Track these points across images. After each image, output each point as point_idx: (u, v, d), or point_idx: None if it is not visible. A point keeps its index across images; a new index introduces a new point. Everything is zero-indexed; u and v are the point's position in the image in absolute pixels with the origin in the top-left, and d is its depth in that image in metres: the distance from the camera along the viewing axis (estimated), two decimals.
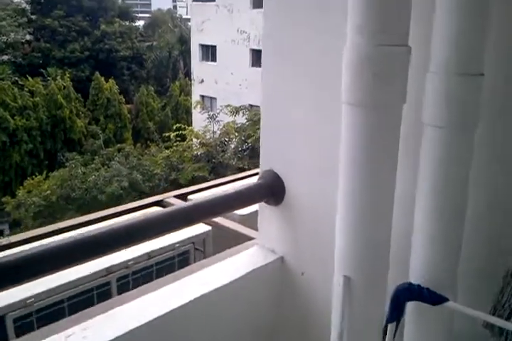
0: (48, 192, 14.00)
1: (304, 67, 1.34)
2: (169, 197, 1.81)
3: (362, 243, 0.97)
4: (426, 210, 0.97)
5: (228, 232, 2.37)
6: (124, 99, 28.51)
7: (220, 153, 13.54)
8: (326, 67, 1.26)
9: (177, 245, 2.59)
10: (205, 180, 13.29)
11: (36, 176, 17.79)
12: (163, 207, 1.75)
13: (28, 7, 35.40)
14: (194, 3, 23.87)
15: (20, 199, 14.45)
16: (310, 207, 1.38)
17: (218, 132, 14.41)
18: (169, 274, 1.53)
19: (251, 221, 1.60)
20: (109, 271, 2.24)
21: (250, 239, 1.69)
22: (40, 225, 14.47)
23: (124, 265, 2.33)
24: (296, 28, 1.33)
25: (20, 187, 16.44)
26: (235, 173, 13.06)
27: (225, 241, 2.31)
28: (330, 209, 1.09)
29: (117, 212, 1.81)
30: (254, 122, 14.38)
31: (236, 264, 1.47)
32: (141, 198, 14.50)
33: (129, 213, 1.86)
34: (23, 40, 34.20)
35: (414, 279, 0.99)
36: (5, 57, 32.91)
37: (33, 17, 34.61)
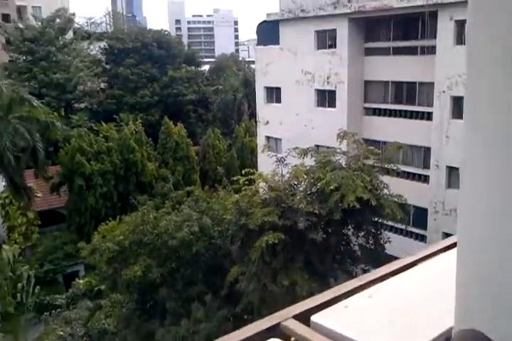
0: (121, 237, 14.31)
1: None
2: (288, 318, 1.45)
3: None
4: None
5: None
6: (191, 142, 29.39)
7: (289, 196, 13.27)
8: None
9: None
10: (274, 225, 13.03)
11: (109, 219, 18.38)
12: (283, 335, 1.41)
13: (103, 58, 38.14)
14: (258, 47, 24.54)
15: (94, 245, 14.88)
16: None
17: (287, 175, 14.21)
18: None
19: None
20: None
21: None
22: (114, 270, 14.74)
23: None
24: None
25: (95, 232, 17.00)
26: (306, 219, 12.76)
27: None
28: None
29: None
30: (323, 164, 14.08)
31: None
32: (210, 244, 14.56)
33: None
34: (98, 88, 36.67)
35: None
36: (82, 105, 35.40)
37: (107, 66, 37.18)
